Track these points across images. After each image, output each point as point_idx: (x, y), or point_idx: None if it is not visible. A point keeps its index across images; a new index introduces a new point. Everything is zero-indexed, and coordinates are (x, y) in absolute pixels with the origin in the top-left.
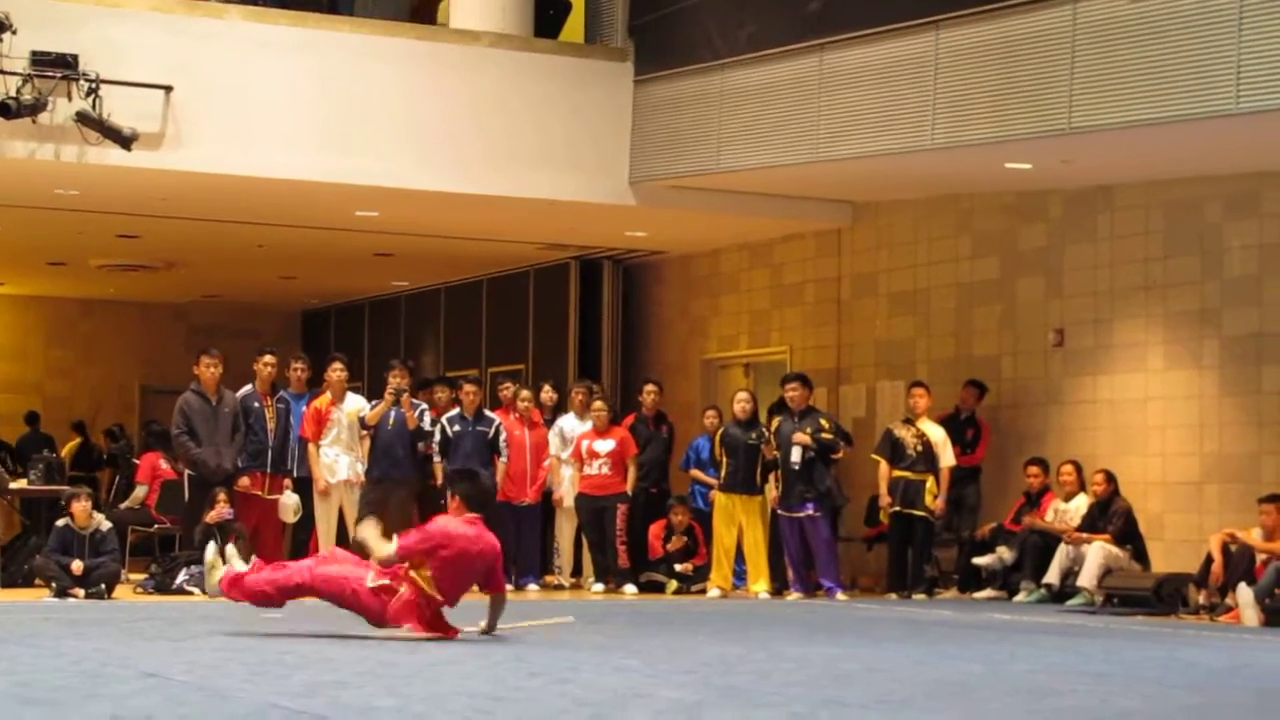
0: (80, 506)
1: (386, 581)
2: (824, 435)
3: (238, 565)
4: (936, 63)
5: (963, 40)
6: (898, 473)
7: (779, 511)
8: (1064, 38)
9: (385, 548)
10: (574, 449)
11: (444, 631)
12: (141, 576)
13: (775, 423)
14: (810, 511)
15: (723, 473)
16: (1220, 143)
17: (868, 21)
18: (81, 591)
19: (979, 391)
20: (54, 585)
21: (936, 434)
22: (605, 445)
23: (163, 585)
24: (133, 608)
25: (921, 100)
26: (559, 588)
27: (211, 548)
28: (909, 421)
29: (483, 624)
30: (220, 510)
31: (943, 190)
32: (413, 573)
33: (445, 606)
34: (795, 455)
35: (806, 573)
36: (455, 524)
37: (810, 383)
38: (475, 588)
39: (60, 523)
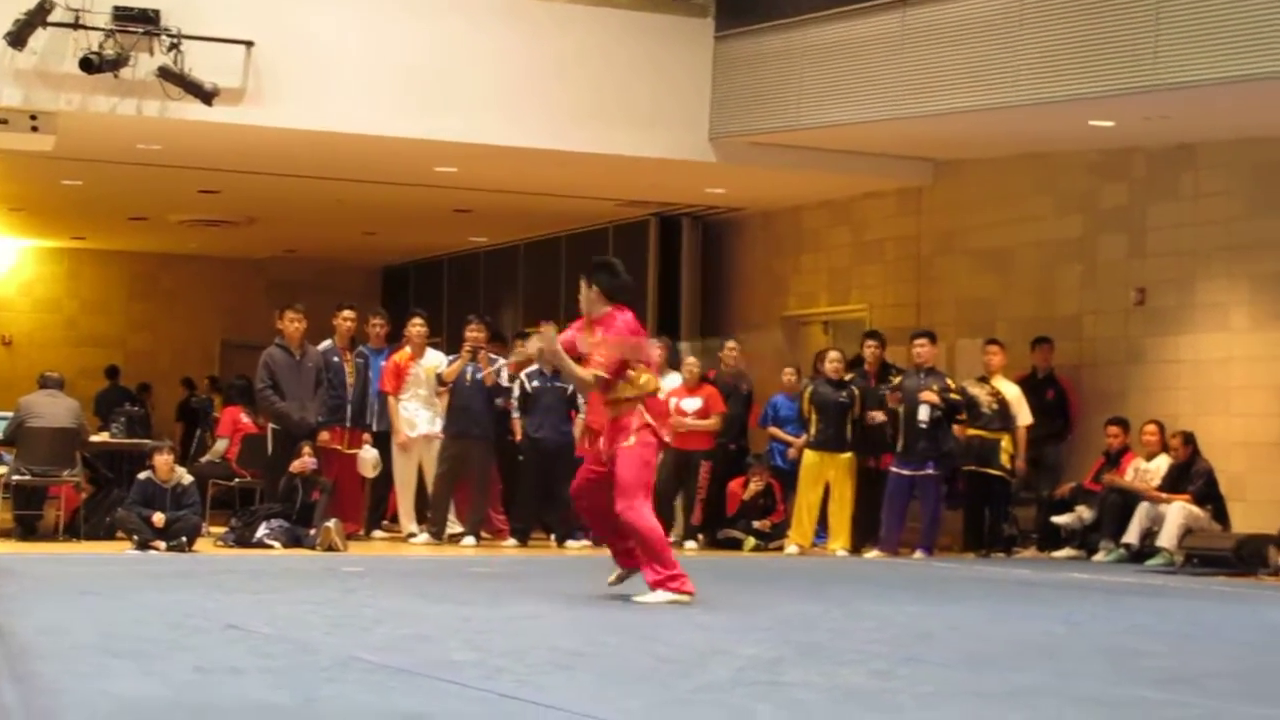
0: (162, 460)
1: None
2: (952, 395)
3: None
4: (1020, 18)
5: None
6: (972, 431)
7: (893, 468)
8: None
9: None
10: None
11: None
12: (222, 530)
13: (850, 377)
14: (930, 471)
15: (812, 430)
16: None
17: None
18: (163, 544)
19: (1049, 346)
20: (136, 538)
21: (1011, 392)
22: (692, 404)
23: (243, 539)
24: (213, 561)
25: (1005, 57)
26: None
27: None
28: (983, 379)
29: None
30: (305, 461)
31: (1025, 148)
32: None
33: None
34: (923, 414)
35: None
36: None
37: (936, 339)
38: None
39: (142, 476)
